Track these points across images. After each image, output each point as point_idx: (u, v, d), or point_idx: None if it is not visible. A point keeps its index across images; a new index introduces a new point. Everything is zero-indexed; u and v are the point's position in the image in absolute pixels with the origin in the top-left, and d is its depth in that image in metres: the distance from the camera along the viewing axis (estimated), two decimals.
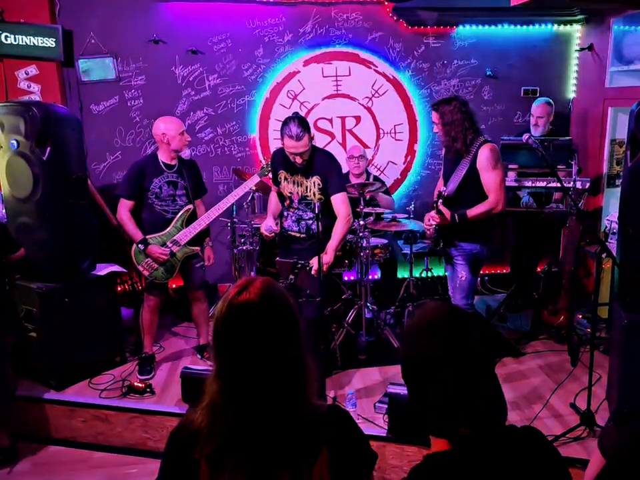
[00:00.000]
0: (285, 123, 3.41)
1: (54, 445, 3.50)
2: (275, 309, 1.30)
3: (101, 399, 3.59)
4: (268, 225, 3.72)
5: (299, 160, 3.45)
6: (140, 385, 3.64)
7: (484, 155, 3.37)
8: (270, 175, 3.85)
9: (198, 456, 1.26)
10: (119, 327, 4.15)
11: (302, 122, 3.40)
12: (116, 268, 4.12)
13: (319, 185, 3.54)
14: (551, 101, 4.83)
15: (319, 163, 3.55)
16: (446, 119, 3.42)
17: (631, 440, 1.38)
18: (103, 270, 4.04)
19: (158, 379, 3.88)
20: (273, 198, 3.89)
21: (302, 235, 3.65)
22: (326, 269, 3.45)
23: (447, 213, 3.39)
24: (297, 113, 3.58)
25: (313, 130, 3.53)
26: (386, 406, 3.21)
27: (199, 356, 4.20)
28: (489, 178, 3.39)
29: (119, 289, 4.52)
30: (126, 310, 4.59)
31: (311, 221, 3.60)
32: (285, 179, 3.64)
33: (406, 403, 2.99)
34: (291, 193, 3.64)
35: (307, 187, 3.57)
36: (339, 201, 3.53)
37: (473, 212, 3.38)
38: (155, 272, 3.84)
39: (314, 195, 3.56)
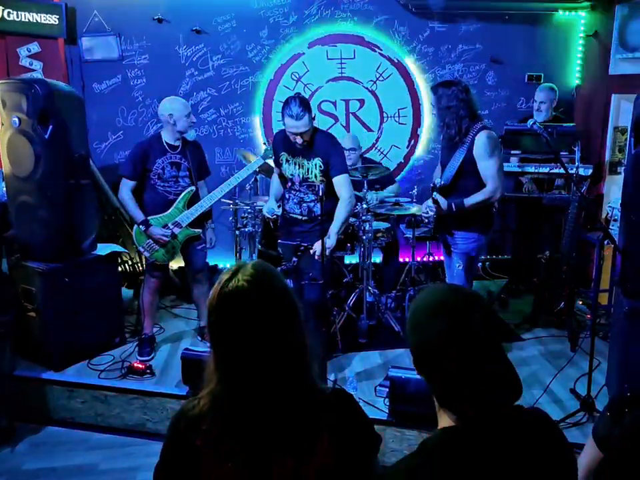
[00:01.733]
0: (286, 102, 3.31)
1: (53, 425, 3.41)
2: (266, 293, 1.25)
3: (100, 379, 3.50)
4: (270, 207, 3.65)
5: (299, 140, 3.34)
6: (140, 366, 3.54)
7: (481, 143, 3.19)
8: (272, 157, 3.75)
9: (200, 443, 1.22)
10: (119, 308, 4.04)
11: (303, 101, 3.29)
12: (117, 247, 4.01)
13: (320, 166, 3.43)
14: (554, 86, 4.71)
15: (321, 144, 3.44)
16: (442, 104, 3.24)
17: (633, 431, 1.29)
18: (104, 249, 3.93)
19: (158, 361, 3.78)
20: (275, 180, 3.78)
21: (303, 217, 3.54)
22: (329, 253, 3.36)
23: (443, 202, 3.25)
24: (298, 93, 3.46)
25: (314, 111, 3.45)
26: (387, 389, 3.13)
27: (199, 338, 4.11)
28: (486, 166, 3.22)
29: (120, 269, 4.40)
30: (126, 290, 4.50)
31: (312, 203, 3.49)
32: (287, 160, 3.53)
33: (407, 386, 2.96)
34: (292, 174, 3.52)
35: (308, 169, 3.46)
36: (341, 183, 3.43)
37: (470, 200, 3.23)
38: (155, 253, 3.72)
39: (315, 176, 3.45)
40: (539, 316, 4.31)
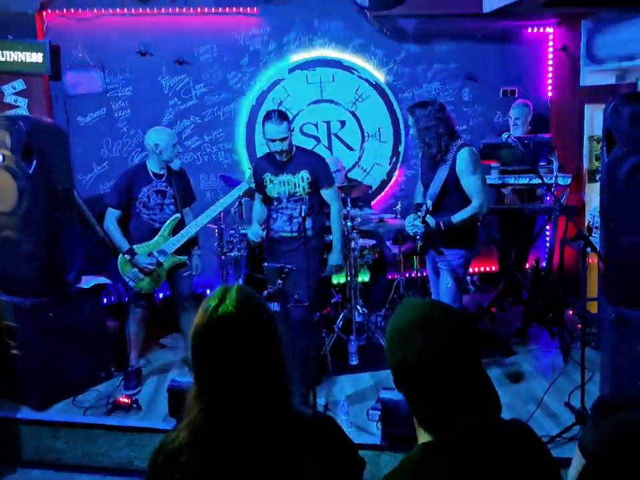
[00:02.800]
0: (266, 114, 3.38)
1: (37, 468, 3.15)
2: (253, 318, 1.21)
3: (85, 417, 3.26)
4: (255, 231, 3.53)
5: (279, 148, 3.29)
6: (126, 400, 3.29)
7: (463, 159, 3.10)
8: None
9: (179, 477, 1.16)
10: (105, 341, 3.82)
11: (280, 112, 3.37)
12: (101, 279, 3.81)
13: (308, 179, 3.38)
14: (528, 102, 4.67)
15: (305, 157, 3.46)
16: (420, 124, 3.16)
17: (609, 437, 1.16)
18: (88, 282, 3.72)
19: (145, 394, 3.54)
20: (258, 204, 3.68)
21: (293, 234, 3.42)
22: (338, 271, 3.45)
23: (432, 221, 3.11)
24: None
25: (296, 134, 3.40)
26: (379, 412, 2.94)
27: (186, 368, 3.81)
28: (469, 182, 3.12)
29: (105, 301, 4.20)
30: (112, 322, 4.28)
31: (302, 219, 3.37)
32: (271, 181, 3.46)
33: (399, 408, 2.79)
34: (278, 193, 3.45)
35: (295, 184, 3.39)
36: (331, 195, 3.46)
37: (458, 217, 3.10)
38: (141, 282, 3.53)
39: (303, 189, 3.39)
40: (529, 327, 4.16)
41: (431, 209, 3.10)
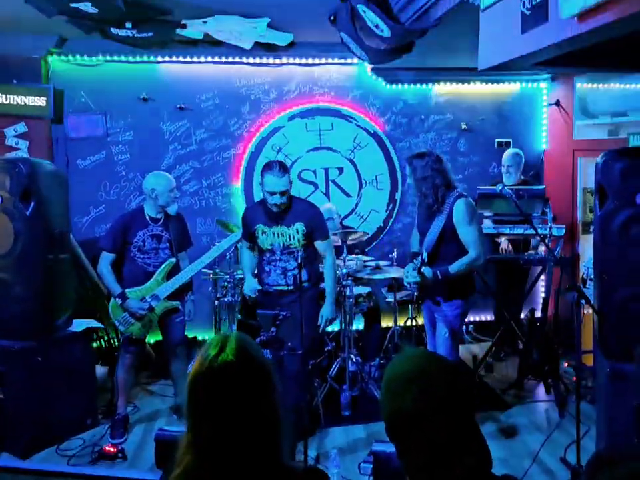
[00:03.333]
0: (267, 165, 3.32)
1: None
2: (253, 368, 1.22)
3: (69, 466, 3.18)
4: (251, 286, 3.43)
5: (278, 201, 3.25)
6: (111, 449, 3.23)
7: (460, 210, 3.15)
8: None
9: None
10: (93, 387, 3.77)
11: (282, 164, 3.31)
12: (92, 323, 3.80)
13: (303, 231, 3.35)
14: (519, 151, 4.84)
15: (301, 209, 3.41)
16: (417, 175, 3.22)
17: (595, 461, 1.19)
18: (79, 325, 3.71)
19: (131, 442, 3.48)
20: (246, 254, 3.60)
21: (289, 287, 3.37)
22: (331, 323, 3.35)
23: (428, 272, 3.12)
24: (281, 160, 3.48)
25: (294, 180, 3.43)
26: (371, 466, 2.90)
27: (175, 416, 3.79)
28: (466, 233, 3.16)
29: (95, 345, 4.17)
30: (100, 368, 4.24)
31: (296, 271, 3.33)
32: (263, 232, 3.40)
33: (392, 461, 2.74)
34: (271, 245, 3.39)
35: (289, 235, 3.35)
36: (326, 247, 3.44)
37: (454, 267, 3.12)
38: (131, 327, 3.52)
39: (298, 241, 3.35)
40: (525, 379, 4.14)
41: (426, 260, 3.13)
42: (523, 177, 4.82)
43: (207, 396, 1.19)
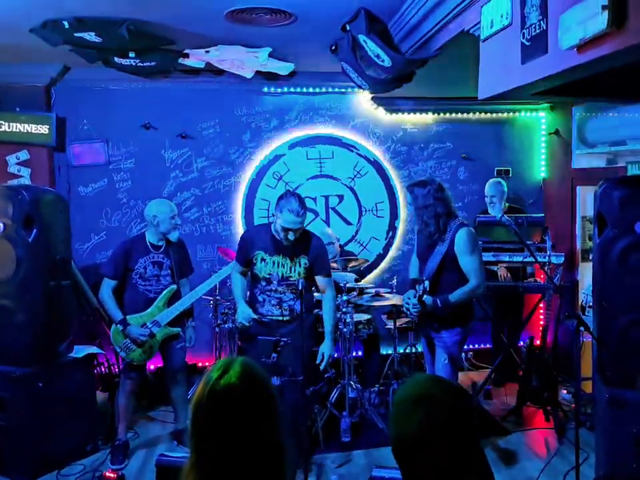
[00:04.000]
0: (285, 197, 3.27)
1: None
2: (256, 392, 1.26)
3: None
4: (245, 314, 3.36)
5: (292, 237, 3.27)
6: (112, 475, 3.28)
7: (461, 239, 3.20)
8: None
9: None
10: (93, 413, 3.86)
11: (302, 200, 3.29)
12: (93, 349, 3.91)
13: (306, 264, 3.40)
14: (501, 180, 4.96)
15: (310, 243, 3.42)
16: (419, 203, 3.27)
17: None
18: (80, 351, 3.82)
19: (131, 468, 3.56)
20: (239, 280, 3.56)
21: (285, 318, 3.42)
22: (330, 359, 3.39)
23: (428, 300, 3.19)
24: (293, 190, 3.52)
25: None
26: None
27: (175, 442, 3.88)
28: (467, 262, 3.22)
29: (95, 371, 4.25)
30: (101, 393, 4.31)
31: (292, 302, 3.41)
32: (262, 259, 3.40)
33: None
34: (269, 274, 3.40)
35: (291, 267, 3.38)
36: (327, 283, 3.47)
37: (455, 296, 3.19)
38: (132, 353, 3.63)
39: (299, 274, 3.39)
40: (524, 406, 4.21)
41: (428, 289, 3.18)
42: (507, 204, 4.92)
43: (209, 418, 1.22)
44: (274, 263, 3.41)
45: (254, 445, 1.21)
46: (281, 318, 3.43)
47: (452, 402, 1.19)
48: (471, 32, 2.97)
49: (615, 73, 2.36)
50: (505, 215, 3.92)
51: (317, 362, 3.38)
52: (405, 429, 1.19)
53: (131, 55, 4.14)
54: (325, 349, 3.42)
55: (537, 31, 2.32)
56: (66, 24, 3.45)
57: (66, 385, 3.64)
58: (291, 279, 3.41)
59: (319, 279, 3.47)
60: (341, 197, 5.44)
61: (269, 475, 1.22)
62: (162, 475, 2.96)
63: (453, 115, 5.52)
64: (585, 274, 4.90)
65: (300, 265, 3.39)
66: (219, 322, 4.43)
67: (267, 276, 3.42)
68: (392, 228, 5.52)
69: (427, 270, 3.32)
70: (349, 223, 5.46)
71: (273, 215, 3.41)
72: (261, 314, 3.45)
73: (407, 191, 3.42)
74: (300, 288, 3.16)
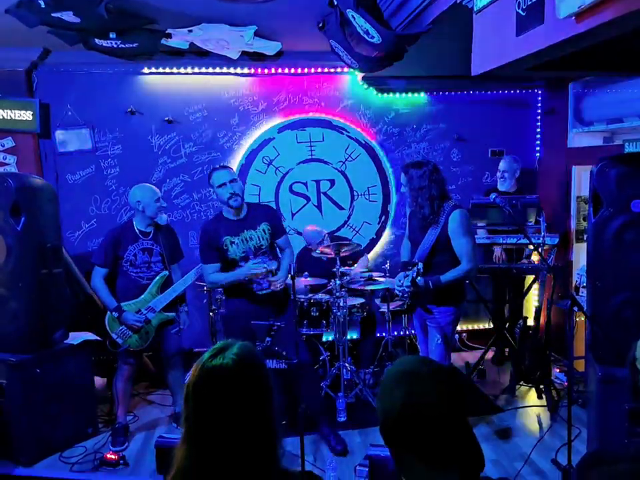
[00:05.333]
0: (210, 176, 3.68)
1: None
2: (249, 374, 1.33)
3: (72, 472, 3.49)
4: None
5: (231, 190, 3.55)
6: (113, 456, 3.55)
7: (455, 222, 3.34)
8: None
9: None
10: (92, 397, 4.07)
11: (226, 167, 3.72)
12: (89, 336, 4.09)
13: (269, 229, 3.72)
14: (517, 158, 5.10)
15: (260, 211, 3.79)
16: (413, 184, 3.39)
17: (587, 461, 1.36)
18: (76, 339, 4.00)
19: (132, 450, 3.79)
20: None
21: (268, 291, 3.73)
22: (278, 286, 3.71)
23: (420, 280, 3.34)
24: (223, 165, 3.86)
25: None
26: (367, 469, 3.15)
27: (174, 424, 4.11)
28: (460, 244, 3.36)
29: (92, 357, 4.42)
30: (99, 379, 4.51)
31: (274, 265, 3.73)
32: (231, 242, 3.65)
33: (387, 464, 2.98)
34: (244, 252, 3.66)
35: (258, 237, 3.69)
36: (286, 242, 3.88)
37: (446, 277, 3.35)
38: (129, 340, 3.83)
39: (267, 241, 3.71)
40: (517, 385, 4.42)
41: (422, 270, 3.34)
42: (518, 185, 5.11)
43: (200, 395, 1.31)
44: (243, 240, 3.67)
45: (245, 423, 1.29)
46: (269, 290, 3.70)
47: (437, 379, 1.22)
48: (463, 4, 2.93)
49: (614, 44, 2.29)
50: (498, 197, 4.08)
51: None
52: (388, 405, 1.24)
53: (112, 35, 4.15)
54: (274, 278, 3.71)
55: (533, 0, 2.26)
56: (42, 3, 3.44)
57: (63, 371, 3.84)
58: (263, 247, 3.70)
59: (279, 241, 3.83)
60: (332, 182, 5.57)
61: (261, 453, 1.30)
62: (161, 455, 3.16)
63: (447, 93, 5.59)
64: (579, 254, 5.09)
65: (264, 232, 3.71)
66: (213, 308, 4.59)
67: (243, 254, 3.67)
68: (384, 212, 5.67)
69: (420, 252, 3.47)
70: (341, 208, 5.60)
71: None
72: (253, 291, 3.69)
73: (402, 172, 3.51)
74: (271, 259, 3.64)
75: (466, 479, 1.20)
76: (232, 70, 5.24)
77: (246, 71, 5.27)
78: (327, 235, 4.97)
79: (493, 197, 4.07)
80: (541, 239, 4.44)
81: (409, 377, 1.25)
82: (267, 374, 1.38)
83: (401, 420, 1.21)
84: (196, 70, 5.19)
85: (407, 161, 3.63)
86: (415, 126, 5.61)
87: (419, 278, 3.32)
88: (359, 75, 5.36)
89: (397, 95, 5.54)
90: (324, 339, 4.87)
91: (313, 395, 3.74)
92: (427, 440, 1.18)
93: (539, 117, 5.77)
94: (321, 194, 5.57)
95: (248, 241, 3.67)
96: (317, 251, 4.46)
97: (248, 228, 3.68)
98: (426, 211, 3.38)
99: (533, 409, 4.19)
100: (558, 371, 4.64)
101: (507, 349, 4.95)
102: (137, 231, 3.89)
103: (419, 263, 3.35)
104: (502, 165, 5.09)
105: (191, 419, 1.33)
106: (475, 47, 2.87)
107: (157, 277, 3.88)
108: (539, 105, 5.77)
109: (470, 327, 5.68)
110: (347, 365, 4.24)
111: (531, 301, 5.37)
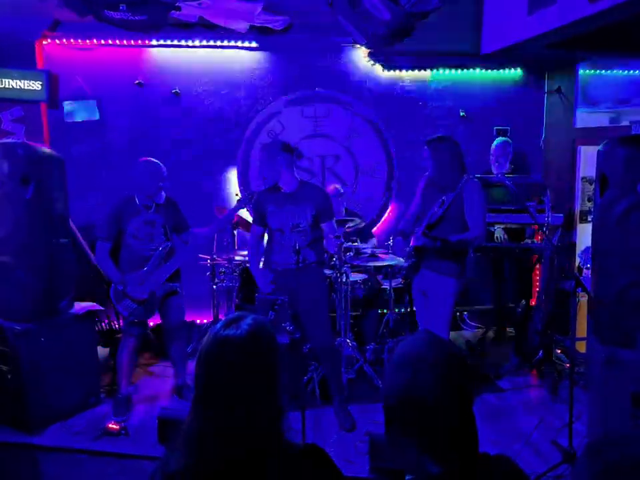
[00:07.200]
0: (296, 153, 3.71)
1: None
2: (260, 347, 1.31)
3: (74, 442, 3.40)
4: (267, 283, 3.60)
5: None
6: (115, 426, 3.45)
7: (473, 191, 3.40)
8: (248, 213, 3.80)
9: None
10: (95, 367, 3.98)
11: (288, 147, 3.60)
12: (94, 306, 3.99)
13: (312, 211, 3.55)
14: (508, 139, 4.92)
15: (310, 191, 3.61)
16: (437, 157, 3.43)
17: (603, 470, 1.29)
18: (81, 308, 3.90)
19: (133, 421, 3.69)
20: (255, 241, 3.76)
21: (299, 265, 3.48)
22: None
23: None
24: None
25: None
26: (367, 445, 3.08)
27: (176, 396, 4.01)
28: (472, 210, 3.39)
29: (96, 327, 4.35)
30: (102, 349, 4.43)
31: (306, 250, 3.56)
32: (273, 212, 3.59)
33: (386, 441, 2.91)
34: (281, 223, 3.57)
35: (298, 215, 3.54)
36: (331, 228, 3.63)
37: (455, 239, 3.35)
38: (134, 311, 3.72)
39: (306, 220, 3.55)
40: (518, 365, 4.32)
41: (434, 221, 3.37)
42: (512, 167, 4.93)
43: (212, 363, 1.29)
44: (284, 211, 3.57)
45: (249, 396, 1.26)
46: (295, 266, 3.47)
47: (442, 370, 1.20)
48: None
49: (626, 25, 2.25)
50: (504, 175, 3.93)
51: None
52: (389, 389, 1.22)
53: (122, 7, 4.06)
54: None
55: None
56: None
57: (67, 340, 3.74)
58: (301, 226, 3.56)
59: (325, 226, 3.62)
60: (336, 157, 5.42)
61: (268, 425, 1.28)
62: (164, 426, 3.08)
63: (453, 71, 5.40)
64: (583, 235, 4.96)
65: (306, 212, 3.54)
66: (216, 280, 4.50)
67: (279, 226, 3.59)
68: (388, 189, 5.52)
69: (430, 215, 3.45)
70: (345, 184, 5.45)
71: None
72: (276, 262, 3.62)
73: (425, 146, 3.51)
74: (308, 237, 3.44)
75: (466, 459, 1.17)
76: (240, 44, 5.09)
77: (254, 44, 5.12)
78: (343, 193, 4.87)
79: (500, 175, 3.91)
80: (545, 218, 4.30)
81: (415, 360, 1.21)
82: (278, 348, 1.37)
83: (400, 406, 1.19)
84: (204, 43, 5.04)
85: (430, 137, 3.56)
86: (420, 103, 5.44)
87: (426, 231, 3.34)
88: (365, 52, 5.20)
89: (403, 71, 5.36)
90: None
91: (334, 374, 3.69)
92: (425, 429, 1.16)
93: (546, 96, 5.57)
94: (326, 169, 5.40)
95: (288, 214, 3.56)
96: None
97: (291, 204, 3.56)
98: (446, 181, 3.41)
99: (534, 389, 4.07)
100: (559, 352, 4.54)
101: (508, 329, 4.83)
102: (138, 204, 3.78)
103: (428, 218, 3.39)
104: (495, 150, 4.87)
105: (200, 384, 1.31)
106: (485, 25, 2.82)
107: (160, 249, 3.78)
108: (546, 83, 5.57)
109: (471, 307, 5.54)
110: (348, 340, 4.14)
111: (534, 281, 5.23)
